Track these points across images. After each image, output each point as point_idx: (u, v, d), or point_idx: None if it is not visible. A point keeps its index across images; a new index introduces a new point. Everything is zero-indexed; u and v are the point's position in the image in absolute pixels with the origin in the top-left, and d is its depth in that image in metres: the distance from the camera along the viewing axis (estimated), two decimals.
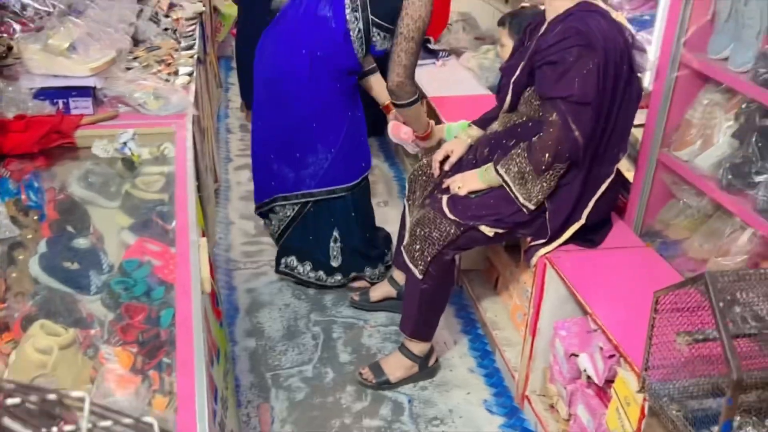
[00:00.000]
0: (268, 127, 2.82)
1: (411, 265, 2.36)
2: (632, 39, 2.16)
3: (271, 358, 2.69)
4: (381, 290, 2.93)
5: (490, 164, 2.29)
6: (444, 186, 2.43)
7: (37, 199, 1.96)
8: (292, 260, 3.01)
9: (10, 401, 0.63)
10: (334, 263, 2.98)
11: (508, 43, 2.57)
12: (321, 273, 3.01)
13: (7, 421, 0.65)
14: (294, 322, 2.90)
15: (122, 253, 1.82)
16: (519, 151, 2.20)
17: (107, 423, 0.68)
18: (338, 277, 3.02)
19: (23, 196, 1.95)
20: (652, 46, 2.37)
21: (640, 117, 2.30)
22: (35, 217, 1.90)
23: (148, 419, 0.74)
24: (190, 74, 2.47)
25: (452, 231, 2.28)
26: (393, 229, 3.49)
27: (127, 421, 0.70)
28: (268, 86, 2.76)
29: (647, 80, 2.31)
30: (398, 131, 2.94)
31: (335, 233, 2.92)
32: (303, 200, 2.85)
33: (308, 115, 2.70)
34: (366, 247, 3.00)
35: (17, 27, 2.35)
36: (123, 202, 2.00)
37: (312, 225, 2.91)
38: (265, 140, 2.85)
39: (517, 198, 2.22)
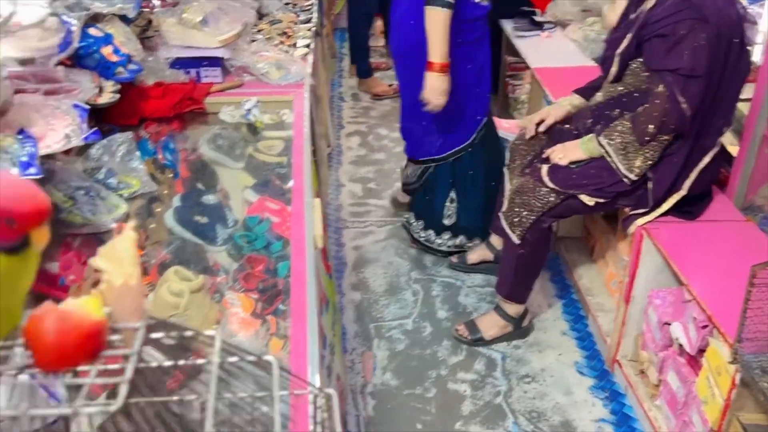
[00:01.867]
0: (402, 96, 3.00)
1: (509, 231, 2.46)
2: (744, 11, 2.14)
3: (375, 310, 2.89)
4: (478, 253, 3.05)
5: (593, 135, 2.34)
6: (544, 155, 2.50)
7: (172, 159, 2.20)
8: (411, 216, 3.22)
9: (153, 335, 0.70)
10: (447, 221, 3.09)
11: (621, 3, 2.53)
12: (431, 232, 3.14)
13: (151, 351, 0.77)
14: (396, 278, 3.08)
15: (245, 210, 2.02)
16: (623, 121, 2.24)
17: (233, 359, 0.77)
18: (446, 237, 3.12)
19: (160, 156, 2.20)
20: (762, 19, 2.33)
21: (747, 91, 2.28)
22: (170, 175, 2.14)
23: (268, 358, 0.82)
24: (308, 46, 2.64)
25: (551, 199, 2.37)
26: None
27: (251, 358, 0.78)
28: (395, 58, 2.95)
29: (756, 54, 2.28)
30: (499, 125, 3.03)
31: (452, 194, 3.03)
32: (424, 165, 3.01)
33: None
34: (481, 210, 3.04)
35: (156, 2, 2.60)
36: (247, 164, 2.21)
37: (431, 186, 3.04)
38: (401, 107, 3.05)
39: (618, 169, 2.26)
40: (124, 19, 2.17)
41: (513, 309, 2.65)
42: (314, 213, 1.89)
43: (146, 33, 2.46)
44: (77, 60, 1.93)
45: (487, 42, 2.84)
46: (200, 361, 0.72)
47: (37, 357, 0.60)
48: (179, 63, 2.45)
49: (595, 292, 2.81)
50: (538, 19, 3.93)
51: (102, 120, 2.12)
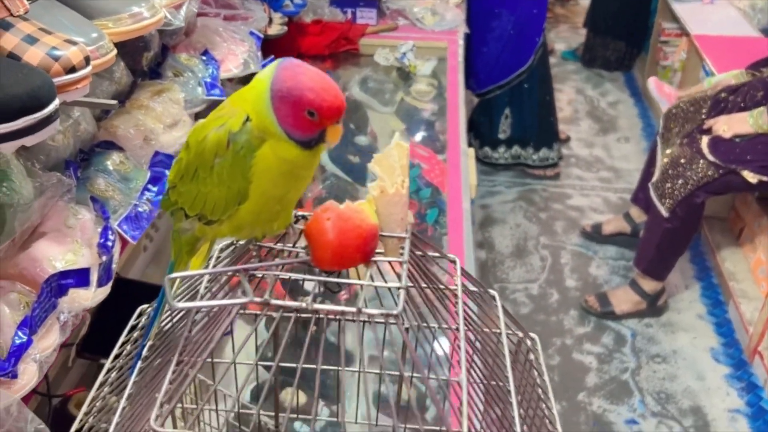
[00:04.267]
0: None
1: (658, 203, 2.35)
2: None
3: (500, 271, 2.85)
4: (614, 224, 2.94)
5: (763, 108, 2.18)
6: (706, 126, 2.36)
7: None
8: (471, 136, 3.34)
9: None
10: (501, 135, 3.28)
11: None
12: (487, 149, 3.34)
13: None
14: (523, 242, 3.01)
15: None
16: None
17: (471, 287, 0.80)
18: (502, 150, 3.31)
19: None
20: None
21: None
22: None
23: (493, 292, 0.84)
24: None
25: (709, 173, 2.23)
26: (631, 167, 3.48)
27: (477, 290, 0.81)
28: None
29: None
30: (661, 88, 2.87)
31: (506, 110, 3.20)
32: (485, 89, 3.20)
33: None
34: (534, 121, 3.23)
35: None
36: (397, 109, 2.20)
37: (489, 106, 3.23)
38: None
39: None
40: None
41: (650, 285, 2.55)
42: (469, 162, 1.86)
43: None
44: None
45: None
46: (451, 287, 0.74)
47: (316, 254, 0.60)
48: (337, 2, 2.45)
49: (740, 277, 2.66)
50: None
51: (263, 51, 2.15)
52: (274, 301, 0.55)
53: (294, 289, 0.57)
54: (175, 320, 0.70)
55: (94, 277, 0.98)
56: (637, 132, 3.81)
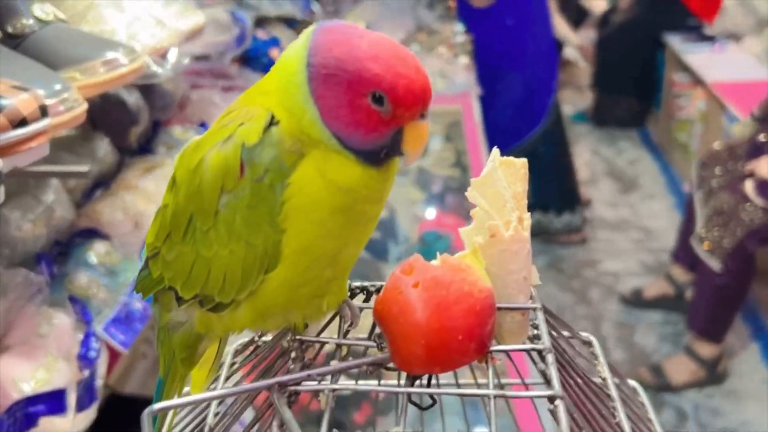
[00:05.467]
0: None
1: (706, 258, 2.14)
2: None
3: None
4: (656, 287, 2.71)
5: None
6: (747, 170, 2.18)
7: None
8: None
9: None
10: None
11: None
12: None
13: None
14: (558, 313, 2.77)
15: (416, 226, 1.84)
16: None
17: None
18: None
19: None
20: None
21: None
22: None
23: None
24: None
25: (758, 217, 2.05)
26: (662, 224, 3.28)
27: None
28: None
29: None
30: None
31: None
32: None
33: None
34: (554, 188, 3.06)
35: (317, 10, 2.48)
36: (415, 177, 2.02)
37: None
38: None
39: None
40: (288, 23, 2.06)
41: (707, 350, 2.30)
42: None
43: None
44: (246, 63, 1.83)
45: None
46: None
47: (400, 349, 0.36)
48: None
49: None
50: (706, 32, 3.59)
51: None
52: None
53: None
54: None
55: (72, 400, 0.76)
56: (661, 188, 3.64)
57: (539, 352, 0.40)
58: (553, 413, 0.36)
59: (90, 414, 0.79)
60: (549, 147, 2.98)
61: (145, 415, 0.35)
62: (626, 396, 0.55)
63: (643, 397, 0.59)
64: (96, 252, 0.97)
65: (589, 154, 4.06)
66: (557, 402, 0.36)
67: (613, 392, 0.48)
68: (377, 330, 0.40)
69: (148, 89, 1.25)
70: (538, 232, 3.20)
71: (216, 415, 0.44)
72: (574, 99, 4.82)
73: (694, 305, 2.28)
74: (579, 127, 4.39)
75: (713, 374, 2.33)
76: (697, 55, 3.41)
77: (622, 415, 0.46)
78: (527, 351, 0.42)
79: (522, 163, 0.42)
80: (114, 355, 0.90)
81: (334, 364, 0.39)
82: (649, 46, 3.91)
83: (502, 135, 2.98)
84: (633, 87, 4.09)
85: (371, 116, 0.38)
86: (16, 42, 0.77)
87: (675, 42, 3.58)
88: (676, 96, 3.61)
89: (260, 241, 0.39)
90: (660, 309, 2.69)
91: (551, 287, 2.93)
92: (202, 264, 0.41)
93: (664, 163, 3.85)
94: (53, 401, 0.73)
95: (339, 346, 0.41)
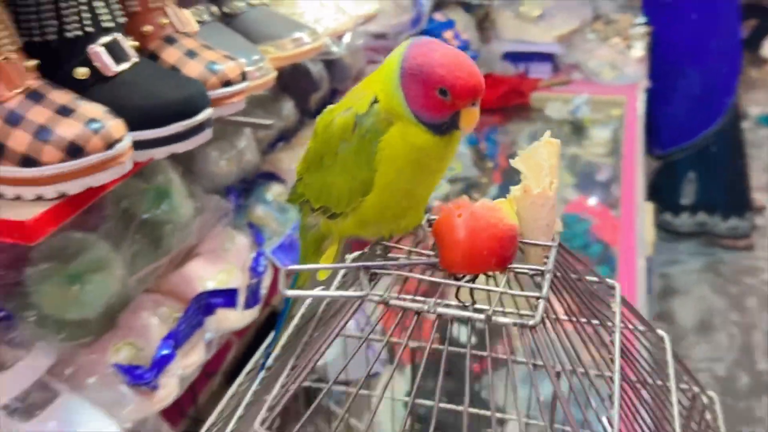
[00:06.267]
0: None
1: None
2: None
3: (680, 346, 2.57)
4: None
5: None
6: None
7: (492, 149, 2.18)
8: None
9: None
10: (685, 201, 3.02)
11: None
12: (667, 215, 3.08)
13: None
14: (709, 316, 2.73)
15: (562, 208, 1.92)
16: None
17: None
18: (685, 216, 3.05)
19: (482, 145, 2.19)
20: None
21: None
22: (490, 165, 2.12)
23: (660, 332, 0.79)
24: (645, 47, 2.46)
25: None
26: None
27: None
28: None
29: None
30: None
31: (691, 174, 2.98)
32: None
33: None
34: (723, 190, 2.98)
35: None
36: (569, 162, 2.10)
37: (671, 168, 3.02)
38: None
39: None
40: (466, 7, 2.20)
41: None
42: (645, 218, 1.72)
43: (483, 24, 2.47)
44: None
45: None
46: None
47: (445, 255, 0.55)
48: (510, 56, 2.42)
49: None
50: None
51: None
52: (393, 301, 0.50)
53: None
54: (300, 327, 0.67)
55: (242, 299, 0.99)
56: None
57: (541, 272, 0.54)
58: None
59: (254, 312, 1.02)
60: (722, 148, 2.89)
61: (282, 271, 0.53)
62: (643, 338, 0.65)
63: (667, 346, 0.68)
64: (273, 192, 1.20)
65: None
66: (539, 301, 0.50)
67: (617, 324, 0.59)
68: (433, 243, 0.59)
69: (330, 62, 1.47)
70: (700, 233, 3.13)
71: (326, 304, 0.64)
72: (765, 101, 4.53)
73: None
74: (764, 130, 4.15)
75: None
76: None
77: (617, 344, 0.58)
78: (529, 273, 0.56)
79: (558, 143, 0.57)
80: (275, 273, 1.12)
81: (402, 260, 0.57)
82: None
83: (674, 131, 2.94)
84: None
85: (438, 103, 0.56)
86: (229, 20, 1.01)
87: None
88: None
89: (361, 175, 0.59)
90: None
91: (705, 289, 2.88)
92: (326, 186, 0.63)
93: None
94: (228, 297, 0.96)
95: (410, 252, 0.59)
